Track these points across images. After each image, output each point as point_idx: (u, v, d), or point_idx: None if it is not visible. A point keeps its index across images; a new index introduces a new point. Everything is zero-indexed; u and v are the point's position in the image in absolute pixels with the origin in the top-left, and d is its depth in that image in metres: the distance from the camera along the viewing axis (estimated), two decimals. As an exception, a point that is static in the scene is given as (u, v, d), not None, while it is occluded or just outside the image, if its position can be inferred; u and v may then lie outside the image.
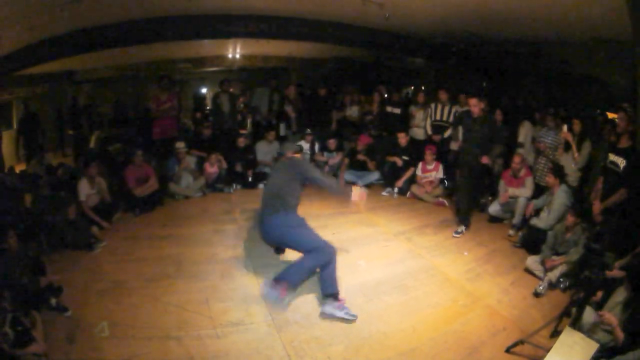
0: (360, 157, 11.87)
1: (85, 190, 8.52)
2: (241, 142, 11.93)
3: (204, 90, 20.46)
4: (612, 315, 4.55)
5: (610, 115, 9.44)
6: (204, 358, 4.75)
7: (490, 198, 10.04)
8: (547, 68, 12.47)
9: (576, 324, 4.91)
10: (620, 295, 4.93)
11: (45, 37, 9.18)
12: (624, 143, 6.51)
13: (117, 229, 8.52)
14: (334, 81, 16.62)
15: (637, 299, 4.60)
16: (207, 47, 14.88)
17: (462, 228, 8.85)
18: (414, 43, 12.98)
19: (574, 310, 5.09)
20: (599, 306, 5.13)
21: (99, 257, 7.27)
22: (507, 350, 5.02)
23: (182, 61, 17.27)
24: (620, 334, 4.43)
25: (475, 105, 8.50)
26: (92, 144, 13.04)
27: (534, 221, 8.01)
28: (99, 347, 4.85)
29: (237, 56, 17.25)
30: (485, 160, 8.55)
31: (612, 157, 6.63)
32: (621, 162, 6.42)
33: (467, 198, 9.02)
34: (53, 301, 5.53)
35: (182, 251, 7.51)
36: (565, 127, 8.45)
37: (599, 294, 5.24)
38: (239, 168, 11.55)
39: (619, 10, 6.53)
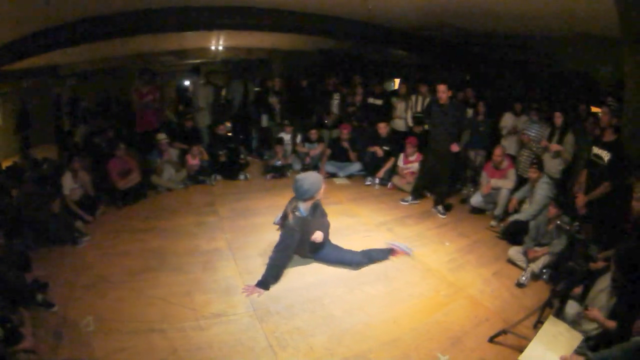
0: (344, 144, 11.96)
1: (69, 184, 8.52)
2: (221, 129, 12.04)
3: (186, 83, 20.35)
4: (597, 311, 4.58)
5: (594, 110, 9.53)
6: (187, 350, 4.79)
7: (472, 189, 10.10)
8: (532, 62, 12.52)
9: (559, 315, 4.97)
10: (602, 283, 4.98)
11: (31, 31, 9.16)
12: (609, 137, 6.59)
13: (101, 223, 8.53)
14: (316, 73, 16.60)
15: (623, 285, 4.63)
16: (190, 39, 14.78)
17: (409, 198, 9.67)
18: (397, 35, 12.98)
19: (556, 301, 5.16)
20: (581, 298, 5.18)
21: (84, 251, 7.28)
22: (490, 340, 5.06)
23: (166, 53, 17.22)
24: (610, 324, 4.46)
25: (444, 92, 8.69)
26: (76, 138, 13.01)
27: (515, 216, 8.06)
28: (85, 342, 4.87)
29: (220, 48, 17.22)
30: (455, 148, 8.83)
31: (596, 150, 6.69)
32: (605, 155, 6.49)
33: (429, 182, 9.65)
34: (39, 297, 5.53)
35: (165, 244, 7.55)
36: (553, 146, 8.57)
37: (580, 287, 5.29)
38: (223, 158, 11.60)
39: (606, 6, 6.57)
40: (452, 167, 9.51)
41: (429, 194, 10.31)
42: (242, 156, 12.32)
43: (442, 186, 9.39)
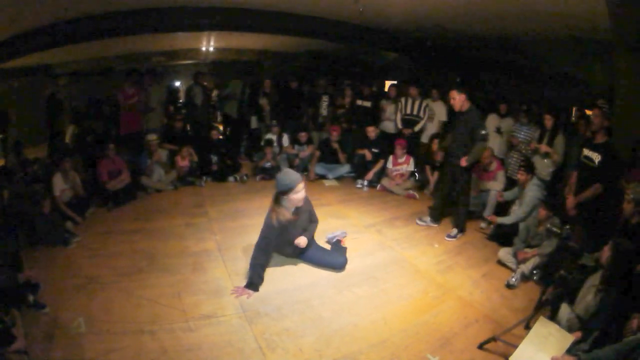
0: (334, 145, 12.01)
1: (59, 185, 8.51)
2: (214, 134, 12.03)
3: (177, 84, 20.36)
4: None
5: (588, 112, 9.59)
6: (177, 351, 4.79)
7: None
8: (523, 64, 12.55)
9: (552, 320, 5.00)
10: (591, 282, 5.01)
11: (24, 30, 9.15)
12: (600, 139, 6.60)
13: (91, 224, 8.51)
14: (306, 75, 16.60)
15: (615, 285, 4.67)
16: (181, 39, 14.79)
17: (427, 219, 9.02)
18: (388, 37, 13.05)
19: (547, 309, 5.19)
20: (571, 300, 5.19)
21: (74, 252, 7.25)
22: (480, 347, 5.06)
23: (156, 54, 17.19)
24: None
25: (453, 98, 8.11)
26: (67, 139, 12.97)
27: (501, 220, 8.06)
28: (76, 344, 4.86)
29: (211, 49, 17.22)
30: (463, 162, 8.10)
31: (587, 152, 6.72)
32: (596, 157, 6.52)
33: (447, 200, 8.90)
34: (31, 298, 5.50)
35: (154, 245, 7.54)
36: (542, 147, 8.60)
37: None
38: (215, 168, 11.65)
39: (597, 10, 6.61)
40: (468, 185, 8.69)
41: (417, 196, 10.41)
42: (237, 161, 12.46)
43: (460, 207, 8.68)
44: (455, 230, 8.56)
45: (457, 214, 8.68)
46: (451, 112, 10.51)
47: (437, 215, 9.06)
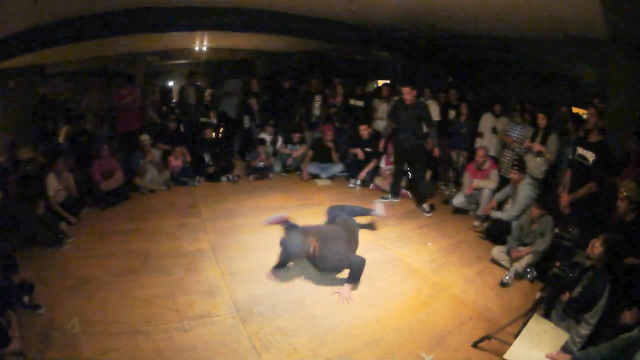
0: (329, 144, 11.98)
1: (54, 185, 8.45)
2: (208, 133, 11.97)
3: (170, 84, 20.29)
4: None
5: (575, 110, 9.61)
6: (172, 352, 4.79)
7: (454, 190, 10.17)
8: (516, 64, 12.55)
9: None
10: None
11: (17, 31, 9.12)
12: (594, 138, 6.64)
13: (85, 225, 8.47)
14: (299, 74, 16.60)
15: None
16: (174, 39, 14.71)
17: (389, 196, 10.03)
18: (381, 37, 13.03)
19: (541, 309, 5.20)
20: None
21: (68, 253, 7.23)
22: (474, 346, 5.07)
23: (150, 54, 17.14)
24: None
25: (408, 94, 9.16)
26: (61, 139, 12.92)
27: (496, 214, 8.14)
28: (72, 345, 4.86)
29: (205, 49, 17.19)
30: (436, 152, 9.76)
31: (582, 151, 6.74)
32: (591, 156, 6.54)
33: (401, 181, 10.17)
34: (26, 299, 5.50)
35: (148, 245, 7.53)
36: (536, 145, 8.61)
37: (567, 294, 5.29)
38: (207, 160, 11.58)
39: (592, 9, 6.62)
40: (425, 163, 10.00)
41: (410, 195, 10.42)
42: (231, 161, 12.44)
43: (421, 184, 9.82)
44: (427, 206, 9.57)
45: (419, 187, 9.86)
46: (443, 111, 10.80)
47: (397, 190, 10.11)
